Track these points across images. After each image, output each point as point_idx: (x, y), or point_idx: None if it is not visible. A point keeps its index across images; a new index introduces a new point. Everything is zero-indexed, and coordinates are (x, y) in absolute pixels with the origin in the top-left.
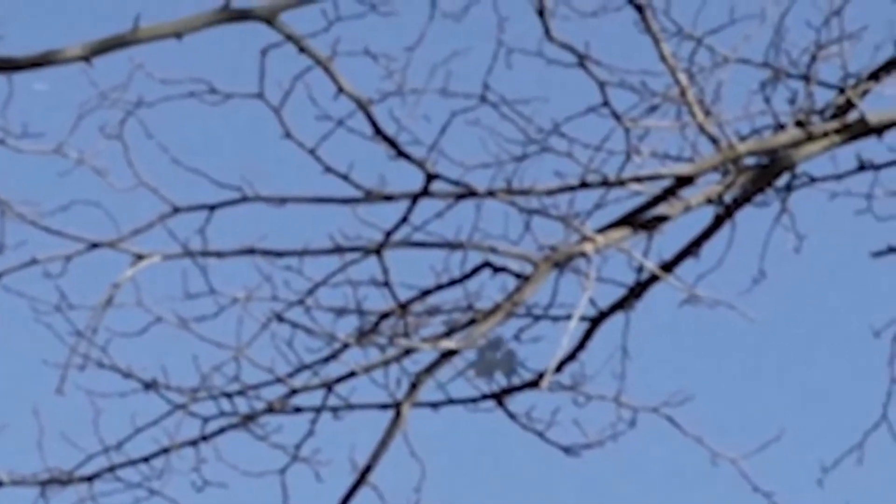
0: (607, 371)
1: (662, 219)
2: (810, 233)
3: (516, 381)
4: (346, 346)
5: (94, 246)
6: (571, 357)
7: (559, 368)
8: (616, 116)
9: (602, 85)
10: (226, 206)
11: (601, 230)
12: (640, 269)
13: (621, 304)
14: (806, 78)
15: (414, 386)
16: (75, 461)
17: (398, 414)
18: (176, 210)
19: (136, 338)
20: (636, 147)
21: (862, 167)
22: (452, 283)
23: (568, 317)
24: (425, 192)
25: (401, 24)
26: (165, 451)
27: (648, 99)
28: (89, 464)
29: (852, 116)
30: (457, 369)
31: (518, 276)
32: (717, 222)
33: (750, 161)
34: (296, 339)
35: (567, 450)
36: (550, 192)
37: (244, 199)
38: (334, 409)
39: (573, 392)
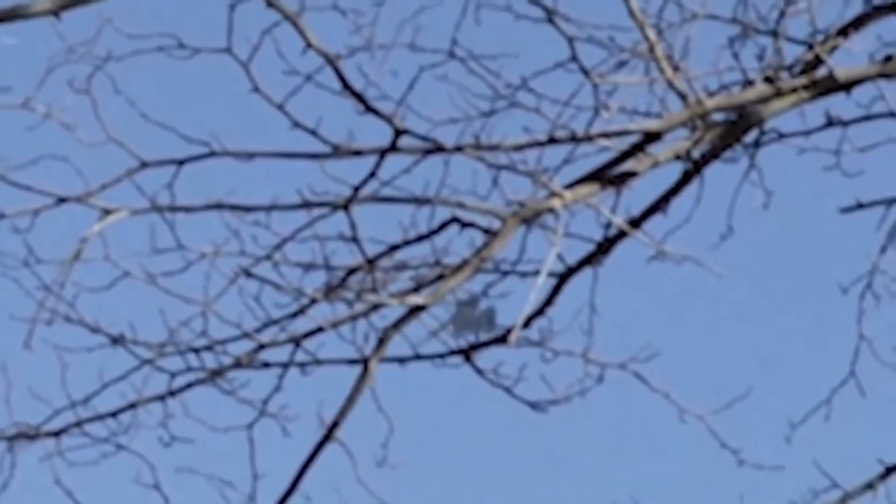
0: (575, 327)
1: (630, 174)
2: (778, 189)
3: (487, 337)
4: (313, 301)
5: (62, 200)
6: (539, 313)
7: (527, 324)
8: (584, 72)
9: (571, 40)
10: (194, 160)
11: (569, 186)
12: (608, 225)
13: (589, 260)
14: (774, 34)
15: (381, 341)
16: (43, 416)
17: (366, 369)
18: (144, 165)
19: (104, 293)
20: (604, 103)
21: (830, 123)
22: (420, 238)
23: (536, 272)
24: (393, 148)
25: None
26: (133, 406)
27: (617, 54)
28: (57, 419)
29: (821, 72)
30: (426, 325)
31: (486, 231)
32: (686, 178)
33: (718, 117)
34: (263, 295)
35: (534, 405)
36: (519, 148)
37: (212, 154)
38: (302, 365)
39: (541, 348)
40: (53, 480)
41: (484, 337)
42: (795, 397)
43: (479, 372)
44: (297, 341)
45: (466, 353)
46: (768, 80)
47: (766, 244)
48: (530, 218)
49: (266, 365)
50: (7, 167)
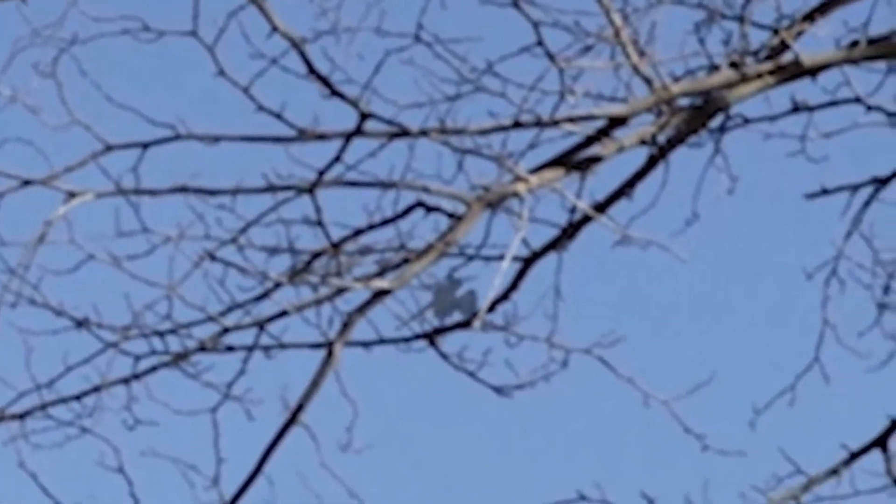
0: (540, 311)
1: (596, 159)
2: (743, 174)
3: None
4: (278, 284)
5: (27, 183)
6: (504, 297)
7: (491, 308)
8: (550, 56)
9: (536, 25)
10: (159, 144)
11: (534, 170)
12: (573, 210)
13: (554, 245)
14: (740, 19)
15: (346, 325)
16: (7, 399)
17: (330, 353)
18: (109, 148)
19: (69, 275)
20: (570, 87)
21: (796, 109)
22: (385, 222)
23: (500, 257)
24: (358, 132)
25: None
26: (97, 389)
27: (582, 39)
28: (21, 402)
29: (786, 58)
30: (391, 309)
31: (451, 215)
32: (651, 163)
33: (684, 102)
34: (228, 278)
35: (499, 390)
36: (484, 132)
37: (177, 137)
38: (266, 348)
39: (505, 332)
40: (17, 463)
41: (465, 319)
42: (759, 383)
43: (444, 356)
44: (261, 325)
45: (431, 337)
46: (734, 65)
47: (731, 229)
48: (495, 202)
49: (230, 348)
50: None
